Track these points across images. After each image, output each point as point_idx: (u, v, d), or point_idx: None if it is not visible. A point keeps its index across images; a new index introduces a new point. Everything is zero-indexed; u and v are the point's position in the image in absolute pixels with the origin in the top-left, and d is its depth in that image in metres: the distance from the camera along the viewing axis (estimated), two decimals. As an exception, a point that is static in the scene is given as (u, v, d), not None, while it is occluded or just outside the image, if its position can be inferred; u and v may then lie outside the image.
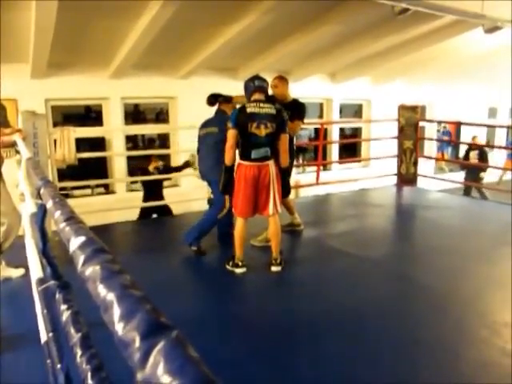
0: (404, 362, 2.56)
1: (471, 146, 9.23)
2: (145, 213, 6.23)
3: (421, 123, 7.56)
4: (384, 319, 3.05)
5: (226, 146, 3.73)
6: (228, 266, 3.89)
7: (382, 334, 2.84)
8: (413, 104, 7.34)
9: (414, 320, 3.07)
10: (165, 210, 6.27)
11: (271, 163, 3.74)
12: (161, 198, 6.28)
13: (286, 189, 3.95)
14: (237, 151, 3.79)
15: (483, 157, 8.99)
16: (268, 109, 3.67)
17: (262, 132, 3.63)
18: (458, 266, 4.00)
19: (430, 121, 10.19)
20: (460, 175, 9.41)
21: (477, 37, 7.26)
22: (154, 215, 6.27)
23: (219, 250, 4.44)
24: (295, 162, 5.04)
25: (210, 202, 5.01)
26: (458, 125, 11.18)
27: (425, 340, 2.78)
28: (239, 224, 3.85)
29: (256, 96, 3.72)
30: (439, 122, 10.79)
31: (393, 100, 8.41)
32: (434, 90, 10.64)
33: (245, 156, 3.71)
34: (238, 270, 3.84)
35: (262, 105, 3.67)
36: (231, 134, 3.68)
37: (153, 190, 6.27)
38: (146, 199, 6.30)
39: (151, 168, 6.22)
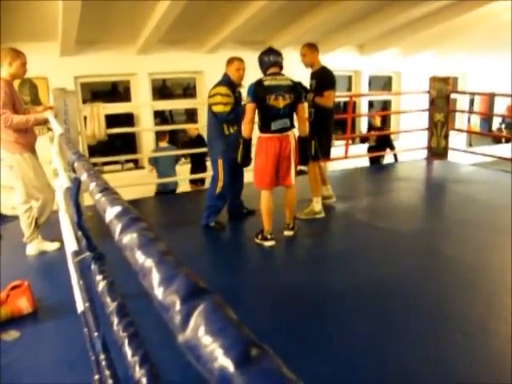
0: (432, 336, 2.55)
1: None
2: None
3: (452, 95, 7.33)
4: (413, 293, 3.04)
5: (244, 120, 3.79)
6: (257, 240, 3.91)
7: (411, 308, 2.84)
8: (444, 75, 7.11)
9: (443, 294, 3.04)
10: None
11: (291, 134, 3.81)
12: (204, 168, 6.48)
13: (305, 157, 4.01)
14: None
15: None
16: (284, 80, 3.75)
17: (280, 104, 3.68)
18: (489, 240, 3.92)
19: (462, 92, 9.87)
20: (492, 149, 9.07)
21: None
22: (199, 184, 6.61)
23: (248, 225, 4.46)
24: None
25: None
26: (492, 96, 10.79)
27: (454, 314, 2.76)
28: (265, 197, 3.85)
29: (272, 70, 3.76)
30: (471, 94, 10.40)
31: (424, 72, 8.14)
32: (468, 60, 10.26)
33: (265, 128, 3.76)
34: (267, 243, 3.85)
35: (278, 77, 3.74)
36: (250, 108, 3.73)
37: (198, 161, 6.61)
38: (193, 171, 6.67)
39: (193, 134, 6.62)
